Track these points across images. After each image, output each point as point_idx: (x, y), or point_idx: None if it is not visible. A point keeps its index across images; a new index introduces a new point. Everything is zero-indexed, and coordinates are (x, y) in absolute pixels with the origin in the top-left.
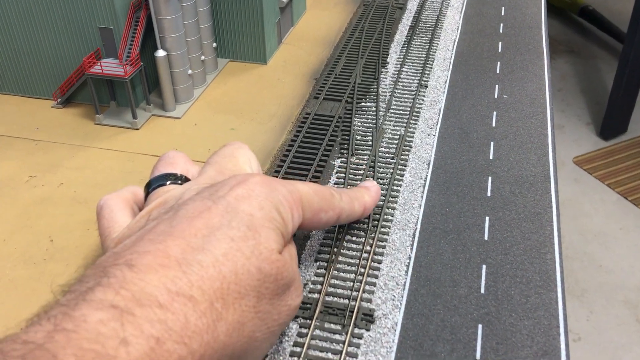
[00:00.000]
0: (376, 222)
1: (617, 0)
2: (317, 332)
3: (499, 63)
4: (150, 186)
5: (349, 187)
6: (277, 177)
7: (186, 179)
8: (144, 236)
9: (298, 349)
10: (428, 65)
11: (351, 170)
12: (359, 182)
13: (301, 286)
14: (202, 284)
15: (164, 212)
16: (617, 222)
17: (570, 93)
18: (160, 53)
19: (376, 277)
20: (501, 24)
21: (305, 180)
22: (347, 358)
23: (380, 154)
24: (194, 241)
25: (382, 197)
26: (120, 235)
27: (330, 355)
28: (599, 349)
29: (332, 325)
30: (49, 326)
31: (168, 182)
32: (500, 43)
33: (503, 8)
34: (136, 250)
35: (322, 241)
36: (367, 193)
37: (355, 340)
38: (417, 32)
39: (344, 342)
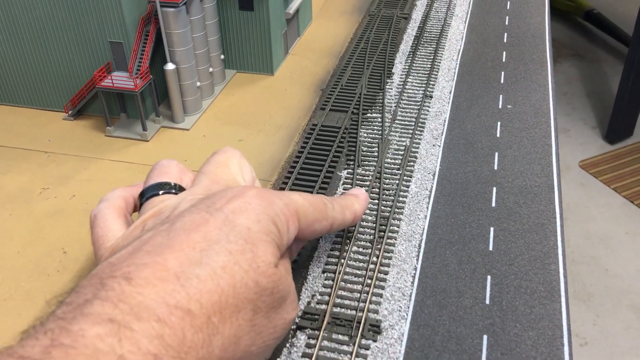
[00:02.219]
0: (382, 233)
1: (622, 3)
2: (325, 342)
3: (503, 73)
4: (144, 196)
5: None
6: (284, 189)
7: (180, 188)
8: (141, 247)
9: None
10: (433, 76)
11: (357, 182)
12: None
13: (296, 299)
14: (200, 297)
15: (159, 223)
16: (623, 226)
17: (575, 97)
18: (170, 66)
19: (383, 288)
20: (505, 34)
21: (312, 192)
22: None
23: (386, 165)
24: (192, 254)
25: (388, 208)
26: (115, 245)
27: None
28: (605, 354)
29: (340, 336)
30: (45, 340)
31: (161, 192)
32: (504, 53)
33: (507, 17)
34: (134, 263)
35: (329, 252)
36: (357, 201)
37: (362, 351)
38: (422, 42)
39: (351, 353)
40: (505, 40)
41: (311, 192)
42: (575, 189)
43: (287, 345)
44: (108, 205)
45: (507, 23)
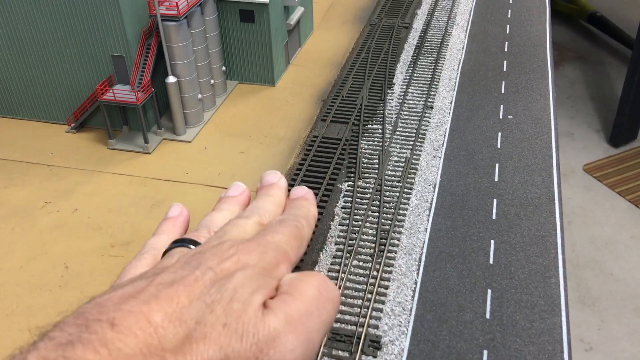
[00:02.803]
0: (383, 247)
1: (626, 6)
2: (325, 359)
3: (504, 83)
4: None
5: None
6: None
7: (197, 243)
8: (132, 293)
9: None
10: (434, 86)
11: (358, 194)
12: (364, 207)
13: (294, 342)
14: (176, 353)
15: (159, 271)
16: (627, 229)
17: (579, 100)
18: (171, 79)
19: (383, 302)
20: (506, 42)
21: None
22: None
23: (386, 177)
24: (173, 309)
25: (389, 221)
26: (117, 283)
27: None
28: (610, 359)
29: (340, 352)
30: None
31: (178, 245)
32: (505, 62)
33: (508, 26)
34: (121, 308)
35: (329, 267)
36: (311, 205)
37: None
38: (422, 51)
39: None
40: (506, 49)
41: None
42: (580, 193)
43: None
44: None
45: (508, 32)
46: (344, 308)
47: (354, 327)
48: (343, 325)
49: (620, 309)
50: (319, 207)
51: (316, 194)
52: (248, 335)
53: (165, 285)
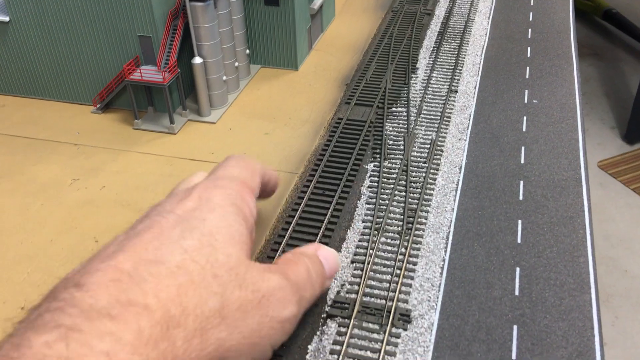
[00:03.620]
0: (410, 225)
1: None
2: (356, 330)
3: (528, 68)
4: None
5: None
6: (311, 181)
7: None
8: (94, 257)
9: (338, 347)
10: (457, 71)
11: (384, 174)
12: (391, 187)
13: (289, 299)
14: (157, 292)
15: (116, 238)
16: None
17: (594, 96)
18: (197, 60)
19: (412, 278)
20: (529, 30)
21: (339, 184)
22: (386, 357)
23: (412, 158)
24: (146, 254)
25: (416, 201)
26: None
27: (369, 353)
28: (625, 355)
29: (370, 325)
30: None
31: None
32: (529, 48)
33: (531, 14)
34: (85, 271)
35: (357, 243)
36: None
37: (393, 340)
38: (445, 37)
39: (382, 341)
40: (529, 36)
41: (337, 185)
42: (594, 189)
43: (318, 333)
44: None
45: (531, 19)
46: (373, 283)
47: (383, 301)
48: (373, 299)
49: (634, 305)
50: (345, 187)
51: (342, 174)
52: (247, 285)
53: (129, 239)
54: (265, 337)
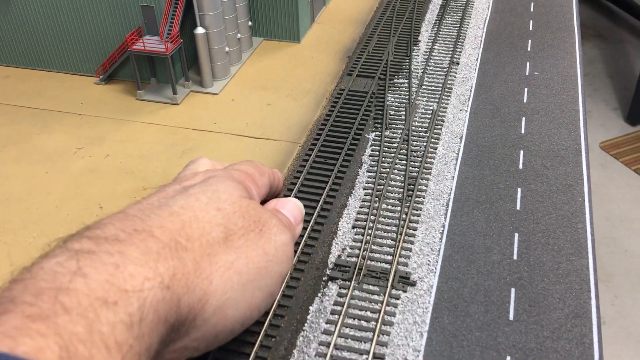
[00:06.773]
0: (411, 192)
1: None
2: (356, 292)
3: (530, 41)
4: None
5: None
6: (313, 150)
7: None
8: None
9: (339, 308)
10: (459, 43)
11: (385, 143)
12: (392, 155)
13: (282, 225)
14: (161, 224)
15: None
16: None
17: (597, 78)
18: (200, 30)
19: (412, 243)
20: (532, 3)
21: (341, 153)
22: (386, 317)
23: (413, 128)
24: (149, 204)
25: (416, 169)
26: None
27: (369, 314)
28: (624, 333)
29: (371, 287)
30: (8, 284)
31: None
32: (531, 22)
33: None
34: (96, 224)
35: (358, 209)
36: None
37: (393, 301)
38: (448, 11)
39: (382, 302)
40: (532, 10)
41: (339, 154)
42: (596, 170)
43: (319, 294)
44: None
45: None
46: (374, 247)
47: (383, 265)
48: (373, 262)
49: (635, 285)
50: (346, 155)
51: (343, 144)
52: (250, 215)
53: (135, 203)
54: (272, 261)
